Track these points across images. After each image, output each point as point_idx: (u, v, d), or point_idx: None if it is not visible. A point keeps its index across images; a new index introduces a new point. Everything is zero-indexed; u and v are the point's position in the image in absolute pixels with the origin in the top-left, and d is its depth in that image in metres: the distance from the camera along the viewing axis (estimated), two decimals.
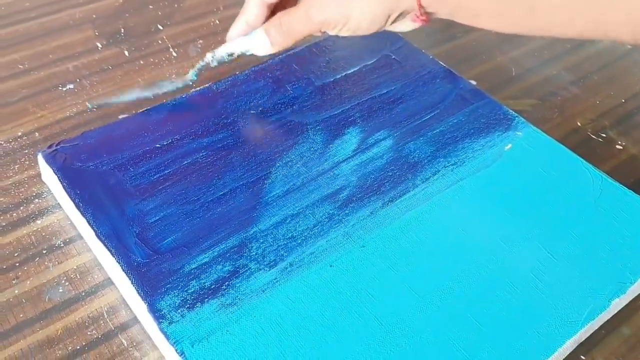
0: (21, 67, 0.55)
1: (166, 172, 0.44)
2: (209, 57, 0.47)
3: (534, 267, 0.41)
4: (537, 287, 0.40)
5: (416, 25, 0.43)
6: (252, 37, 0.46)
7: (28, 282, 0.40)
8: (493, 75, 0.59)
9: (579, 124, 0.55)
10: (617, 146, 0.53)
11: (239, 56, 0.47)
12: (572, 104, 0.57)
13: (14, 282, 0.40)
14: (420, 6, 0.40)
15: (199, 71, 0.48)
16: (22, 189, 0.45)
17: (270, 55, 0.47)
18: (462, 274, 0.40)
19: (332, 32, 0.44)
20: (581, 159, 0.47)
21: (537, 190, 0.45)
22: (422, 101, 0.52)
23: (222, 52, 0.47)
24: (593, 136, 0.54)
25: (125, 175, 0.44)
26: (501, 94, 0.56)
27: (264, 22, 0.46)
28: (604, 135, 0.54)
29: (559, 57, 0.62)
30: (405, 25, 0.44)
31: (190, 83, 0.49)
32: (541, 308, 0.39)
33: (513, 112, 0.51)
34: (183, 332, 0.36)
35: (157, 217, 0.41)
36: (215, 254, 0.40)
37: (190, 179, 0.44)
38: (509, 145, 0.48)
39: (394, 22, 0.42)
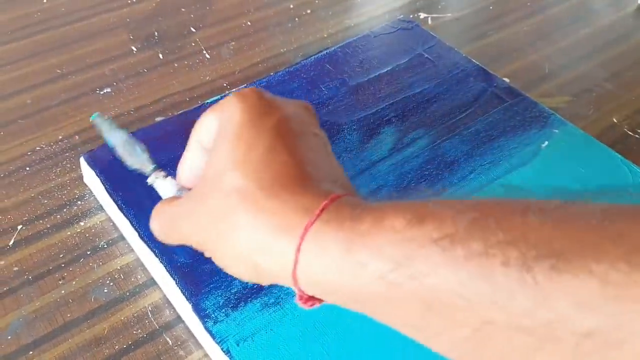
0: (59, 71, 0.56)
1: None
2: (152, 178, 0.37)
3: None
4: None
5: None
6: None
7: (74, 283, 0.41)
8: (526, 72, 0.59)
9: (615, 120, 0.55)
10: None
11: None
12: (607, 100, 0.57)
13: (60, 282, 0.41)
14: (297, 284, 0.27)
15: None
16: (65, 192, 0.46)
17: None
18: None
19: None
20: (620, 156, 0.47)
21: (576, 188, 0.45)
22: (457, 100, 0.52)
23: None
24: (630, 132, 0.53)
25: None
26: (534, 92, 0.56)
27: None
28: None
29: (592, 54, 0.62)
30: None
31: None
32: None
33: (549, 110, 0.51)
34: (228, 331, 0.36)
35: None
36: None
37: None
38: (546, 143, 0.48)
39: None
